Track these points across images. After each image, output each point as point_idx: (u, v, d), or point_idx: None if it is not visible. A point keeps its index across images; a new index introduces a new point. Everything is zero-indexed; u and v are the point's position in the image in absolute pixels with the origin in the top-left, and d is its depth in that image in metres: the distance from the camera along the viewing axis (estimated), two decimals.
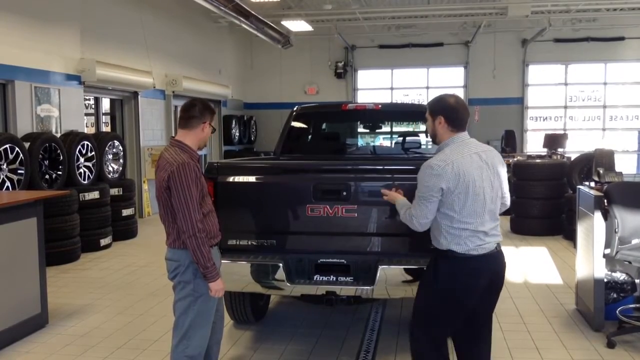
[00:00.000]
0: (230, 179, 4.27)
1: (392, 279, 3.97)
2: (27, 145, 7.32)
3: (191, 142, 3.32)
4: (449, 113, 3.17)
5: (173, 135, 3.19)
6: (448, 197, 3.05)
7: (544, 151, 11.56)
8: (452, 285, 3.13)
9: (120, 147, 9.51)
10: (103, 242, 8.45)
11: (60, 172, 7.88)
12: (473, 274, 3.11)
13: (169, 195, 3.16)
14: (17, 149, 7.06)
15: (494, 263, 3.17)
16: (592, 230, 4.80)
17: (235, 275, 4.11)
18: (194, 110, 3.32)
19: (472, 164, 3.07)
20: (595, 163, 7.13)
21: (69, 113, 8.97)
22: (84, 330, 5.08)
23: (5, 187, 6.94)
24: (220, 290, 3.25)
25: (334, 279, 4.06)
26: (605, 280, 4.86)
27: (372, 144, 7.95)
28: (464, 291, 3.14)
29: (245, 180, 4.36)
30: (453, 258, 3.10)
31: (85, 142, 8.43)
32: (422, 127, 6.70)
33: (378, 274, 3.93)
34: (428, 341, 3.25)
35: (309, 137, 6.58)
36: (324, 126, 6.99)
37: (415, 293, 4.07)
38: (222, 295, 3.36)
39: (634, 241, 4.59)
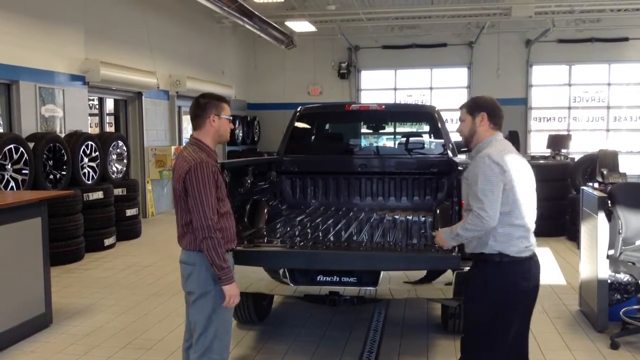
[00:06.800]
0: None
1: (395, 279, 3.97)
2: (31, 145, 7.34)
3: (207, 139, 3.18)
4: (491, 110, 3.11)
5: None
6: (505, 189, 2.88)
7: (547, 152, 11.54)
8: (507, 290, 2.93)
9: (124, 147, 9.53)
10: (107, 242, 8.47)
11: (64, 172, 7.90)
12: (525, 277, 2.95)
13: (186, 194, 3.02)
14: (21, 149, 7.09)
15: (537, 266, 3.04)
16: (596, 231, 4.80)
17: (238, 275, 4.12)
18: (197, 107, 3.19)
19: (521, 159, 3.01)
20: (599, 164, 7.10)
21: (73, 113, 8.99)
22: (88, 330, 5.10)
23: (9, 187, 6.96)
24: (235, 295, 3.08)
25: (337, 279, 4.07)
26: (609, 281, 4.85)
27: (375, 144, 7.96)
28: (518, 294, 2.96)
29: None
30: (505, 263, 2.92)
31: (90, 142, 8.45)
32: (426, 128, 6.69)
33: (381, 275, 3.93)
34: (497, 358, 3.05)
35: (313, 137, 6.59)
36: (327, 127, 7.00)
37: (418, 294, 4.08)
38: (237, 303, 3.15)
39: (638, 242, 4.60)
